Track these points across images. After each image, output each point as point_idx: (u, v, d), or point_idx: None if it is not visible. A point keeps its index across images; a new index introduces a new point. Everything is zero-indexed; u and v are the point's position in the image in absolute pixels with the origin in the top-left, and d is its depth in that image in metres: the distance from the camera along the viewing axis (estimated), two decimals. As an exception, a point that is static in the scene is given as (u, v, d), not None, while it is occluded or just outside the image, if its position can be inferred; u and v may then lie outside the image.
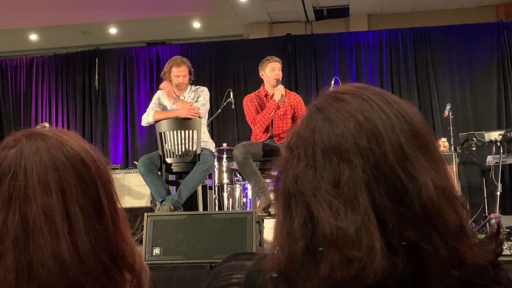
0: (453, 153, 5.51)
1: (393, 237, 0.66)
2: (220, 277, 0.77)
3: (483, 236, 0.73)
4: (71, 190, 0.79)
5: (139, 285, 0.83)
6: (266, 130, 4.60)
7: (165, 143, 4.40)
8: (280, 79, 4.58)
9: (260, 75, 4.69)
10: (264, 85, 4.71)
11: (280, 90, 4.47)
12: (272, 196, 4.32)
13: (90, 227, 0.79)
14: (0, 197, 0.77)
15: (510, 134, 5.15)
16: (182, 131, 4.37)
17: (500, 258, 0.72)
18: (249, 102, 4.63)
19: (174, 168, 4.43)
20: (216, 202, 5.84)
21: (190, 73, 4.58)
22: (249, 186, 5.56)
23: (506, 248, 3.18)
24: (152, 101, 4.68)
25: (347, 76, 7.70)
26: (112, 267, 0.80)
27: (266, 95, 4.65)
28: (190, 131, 4.37)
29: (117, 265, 0.81)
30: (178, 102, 4.52)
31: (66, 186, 0.79)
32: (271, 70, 4.57)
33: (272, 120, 4.59)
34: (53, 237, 0.76)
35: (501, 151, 5.11)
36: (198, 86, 4.69)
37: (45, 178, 0.78)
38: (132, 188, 6.08)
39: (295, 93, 4.86)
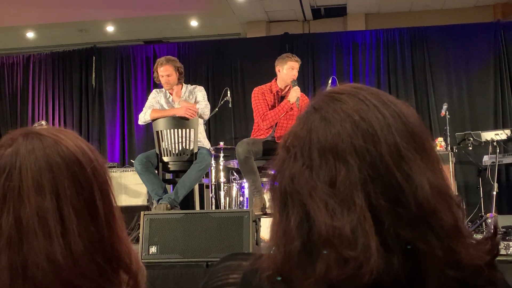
0: (450, 153, 5.52)
1: (389, 237, 0.66)
2: (217, 277, 0.77)
3: (479, 235, 0.73)
4: (65, 191, 0.78)
5: (136, 285, 0.83)
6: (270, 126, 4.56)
7: (162, 141, 4.40)
8: (296, 80, 4.48)
9: (276, 70, 4.55)
10: (276, 80, 4.58)
11: (297, 92, 4.38)
12: (266, 195, 4.33)
13: (84, 229, 0.78)
14: None
15: (507, 134, 5.16)
16: (179, 130, 4.37)
17: (496, 258, 0.72)
18: (260, 95, 4.51)
19: (171, 167, 4.43)
20: (213, 201, 5.83)
21: (179, 72, 4.57)
22: (246, 185, 5.56)
23: (502, 248, 3.18)
24: (148, 100, 4.69)
25: (345, 76, 7.70)
26: (108, 268, 0.80)
27: (278, 92, 4.54)
28: (187, 130, 4.37)
29: (112, 266, 0.81)
30: (182, 103, 4.52)
31: (60, 188, 0.78)
32: (289, 69, 4.46)
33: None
34: (46, 238, 0.75)
35: (498, 151, 5.12)
36: (194, 86, 4.69)
37: (39, 179, 0.78)
38: (129, 187, 6.07)
39: (306, 96, 4.70)
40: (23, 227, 0.75)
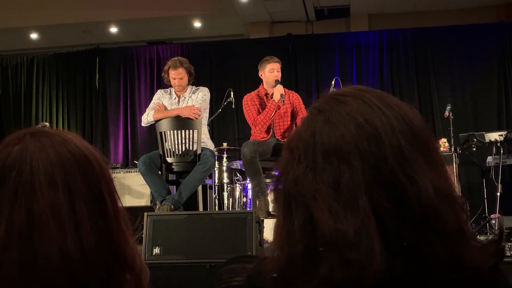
0: (453, 154, 5.51)
1: (392, 239, 0.66)
2: (221, 280, 0.77)
3: (483, 236, 0.73)
4: (77, 186, 0.79)
5: (139, 285, 0.84)
6: (267, 130, 4.59)
7: (166, 142, 4.40)
8: (279, 79, 4.58)
9: (259, 75, 4.69)
10: (263, 84, 4.71)
11: (279, 89, 4.47)
12: (270, 197, 4.34)
13: (94, 224, 0.79)
14: (6, 192, 0.77)
15: (511, 134, 5.14)
16: (183, 131, 4.37)
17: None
18: (249, 101, 4.61)
19: (175, 168, 4.43)
20: (216, 202, 5.83)
21: (190, 74, 4.57)
22: (249, 186, 5.56)
23: (506, 249, 3.17)
24: (152, 101, 4.68)
25: (348, 77, 7.69)
26: (115, 265, 0.80)
27: (266, 94, 4.66)
28: (191, 131, 4.37)
29: (119, 263, 0.81)
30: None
31: (72, 182, 0.79)
32: (269, 71, 4.57)
33: (273, 119, 4.59)
34: (59, 231, 0.76)
35: (501, 151, 5.11)
36: (198, 87, 4.69)
37: (51, 173, 0.78)
38: (132, 188, 6.08)
39: (293, 91, 4.88)
40: (36, 221, 0.76)
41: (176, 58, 4.62)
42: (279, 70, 4.62)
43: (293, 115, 4.66)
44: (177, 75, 4.48)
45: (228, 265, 0.79)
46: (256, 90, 4.73)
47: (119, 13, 8.00)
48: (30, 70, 8.77)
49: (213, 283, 0.78)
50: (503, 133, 5.19)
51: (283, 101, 4.46)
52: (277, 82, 4.54)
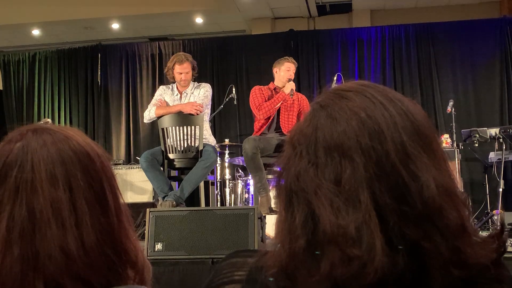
0: (456, 150, 5.51)
1: (394, 235, 0.65)
2: (222, 274, 0.77)
3: (485, 232, 0.73)
4: (77, 183, 0.79)
5: (141, 281, 0.84)
6: (267, 118, 4.72)
7: (168, 138, 4.41)
8: (292, 80, 4.75)
9: (274, 72, 4.84)
10: (274, 81, 4.86)
11: (291, 85, 4.66)
12: (272, 193, 4.36)
13: (95, 221, 0.79)
14: (7, 189, 0.77)
15: (511, 130, 5.13)
16: (185, 127, 4.37)
17: (503, 256, 0.71)
18: (257, 91, 4.77)
19: (177, 164, 4.44)
20: (218, 198, 5.84)
21: (193, 69, 4.58)
22: (251, 182, 5.56)
23: (509, 245, 3.17)
24: (154, 97, 4.69)
25: (350, 72, 7.67)
26: (116, 261, 0.80)
27: (275, 89, 4.79)
28: (193, 127, 4.37)
29: (121, 260, 0.81)
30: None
31: (72, 180, 0.79)
32: (286, 69, 4.75)
33: (279, 111, 4.71)
34: (60, 229, 0.76)
35: (504, 147, 5.10)
36: (200, 83, 4.69)
37: (52, 171, 0.78)
38: (135, 184, 6.09)
39: (303, 95, 5.07)
40: (37, 218, 0.76)
41: (180, 53, 4.64)
42: (294, 72, 4.83)
43: (299, 116, 4.81)
44: (183, 69, 4.49)
45: (229, 259, 0.79)
46: (267, 86, 4.87)
47: (120, 9, 8.00)
48: (32, 67, 8.77)
49: (215, 278, 0.78)
50: (500, 128, 5.18)
51: (292, 95, 4.64)
52: (289, 81, 4.73)
